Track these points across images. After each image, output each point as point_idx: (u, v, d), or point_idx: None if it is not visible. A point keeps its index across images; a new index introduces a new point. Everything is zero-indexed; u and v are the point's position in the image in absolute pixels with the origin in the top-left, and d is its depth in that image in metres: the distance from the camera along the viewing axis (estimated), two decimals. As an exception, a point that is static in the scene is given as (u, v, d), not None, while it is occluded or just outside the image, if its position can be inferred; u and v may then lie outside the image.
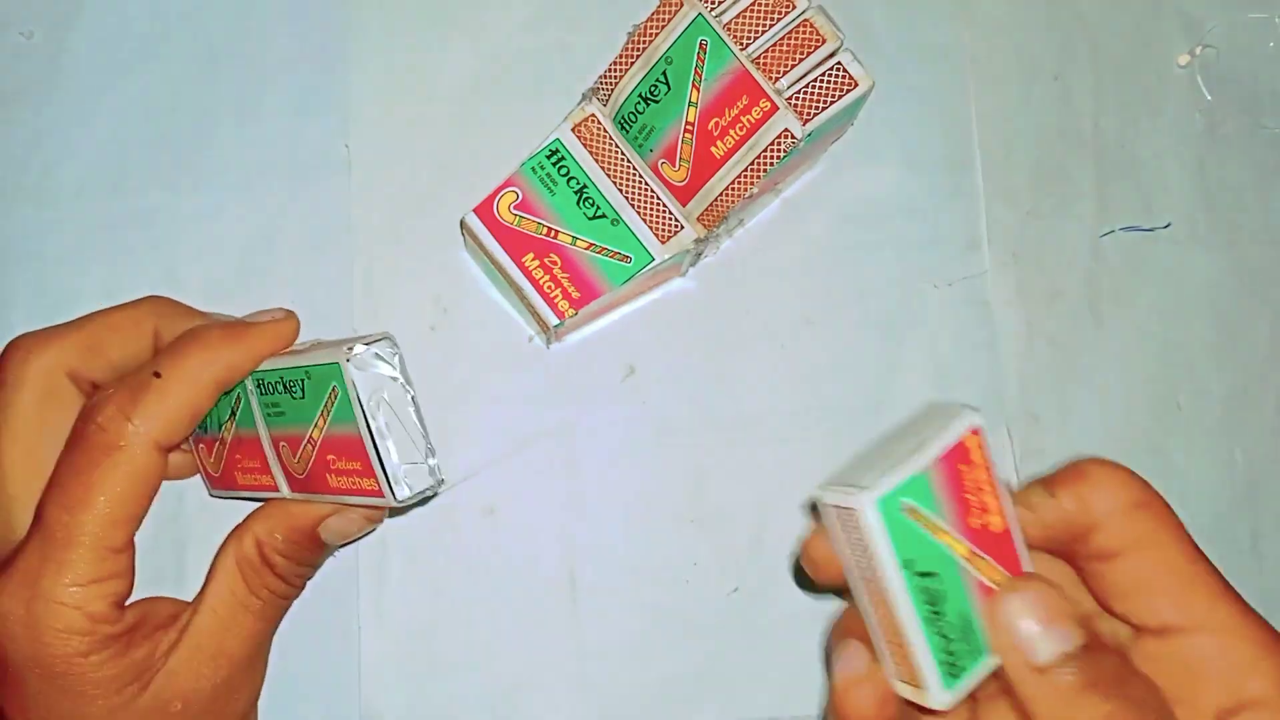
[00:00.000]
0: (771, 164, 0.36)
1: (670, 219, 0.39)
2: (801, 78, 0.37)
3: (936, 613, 0.26)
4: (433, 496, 0.32)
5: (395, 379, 0.30)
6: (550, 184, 0.39)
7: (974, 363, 0.43)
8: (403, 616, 0.40)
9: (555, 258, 0.38)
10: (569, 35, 0.44)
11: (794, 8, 0.37)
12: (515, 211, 0.38)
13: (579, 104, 0.39)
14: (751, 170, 0.37)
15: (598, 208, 0.39)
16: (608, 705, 0.40)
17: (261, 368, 0.32)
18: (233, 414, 0.34)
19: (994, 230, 0.44)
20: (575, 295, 0.38)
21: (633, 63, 0.38)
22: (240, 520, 0.34)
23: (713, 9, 0.37)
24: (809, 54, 0.37)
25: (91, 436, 0.31)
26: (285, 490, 0.33)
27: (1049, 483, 0.28)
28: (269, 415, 0.32)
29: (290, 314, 0.34)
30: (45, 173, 0.43)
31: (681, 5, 0.37)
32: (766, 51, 0.37)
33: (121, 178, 0.43)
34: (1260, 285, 0.44)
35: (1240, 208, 0.45)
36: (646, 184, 0.39)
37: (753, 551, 0.41)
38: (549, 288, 0.38)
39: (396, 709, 0.40)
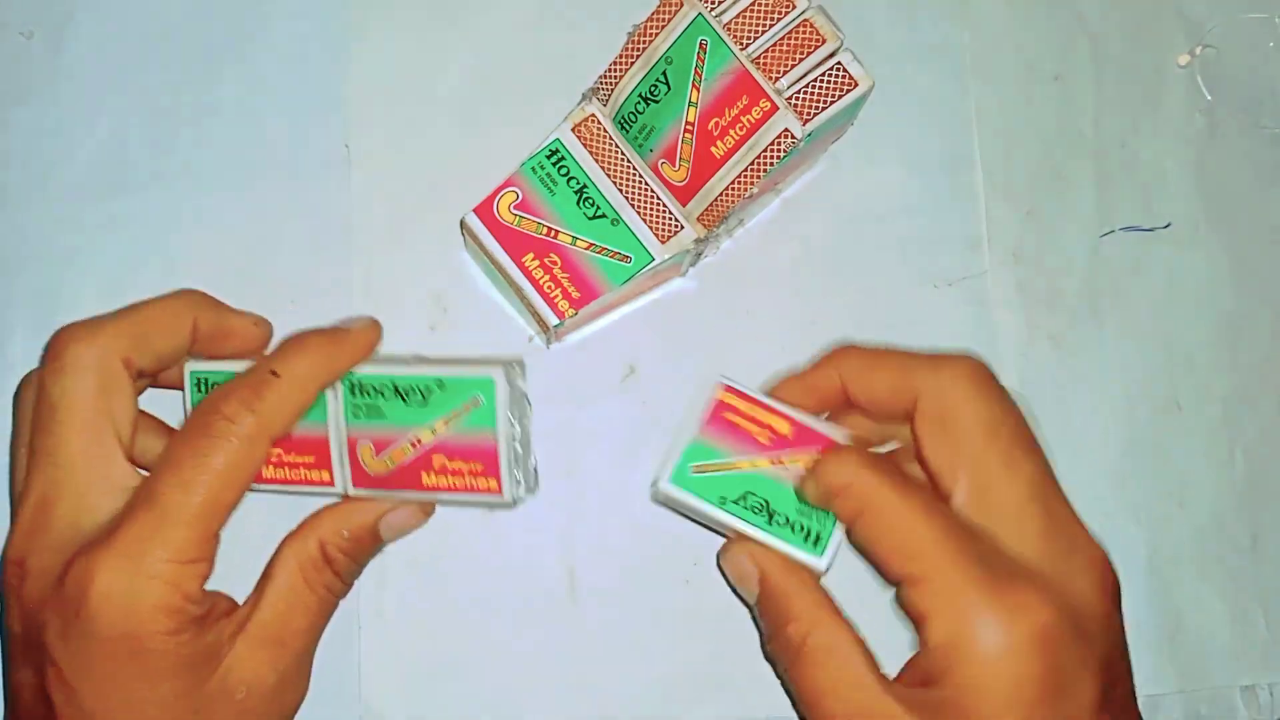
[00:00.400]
0: (771, 164, 0.36)
1: (670, 219, 0.39)
2: (801, 78, 0.37)
3: (772, 515, 0.34)
4: (528, 497, 0.36)
5: (525, 395, 0.36)
6: (550, 184, 0.39)
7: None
8: (403, 616, 0.40)
9: (555, 258, 0.38)
10: (569, 35, 0.44)
11: (794, 8, 0.37)
12: (515, 211, 0.38)
13: (579, 104, 0.39)
14: (751, 170, 0.37)
15: (598, 208, 0.39)
16: (608, 705, 0.40)
17: (365, 373, 0.35)
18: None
19: (994, 230, 0.44)
20: (575, 295, 0.38)
21: (633, 63, 0.38)
22: (299, 521, 0.36)
23: (713, 9, 0.37)
24: (809, 54, 0.37)
25: (216, 424, 0.32)
26: (342, 486, 0.35)
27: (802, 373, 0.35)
28: (357, 415, 0.35)
29: (376, 322, 0.36)
30: (45, 173, 0.43)
31: (681, 5, 0.37)
32: (766, 51, 0.37)
33: (121, 178, 0.43)
34: (1260, 285, 0.44)
35: (1240, 208, 0.45)
36: (646, 184, 0.39)
37: (753, 551, 0.41)
38: (549, 288, 0.38)
39: (396, 709, 0.40)
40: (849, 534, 0.33)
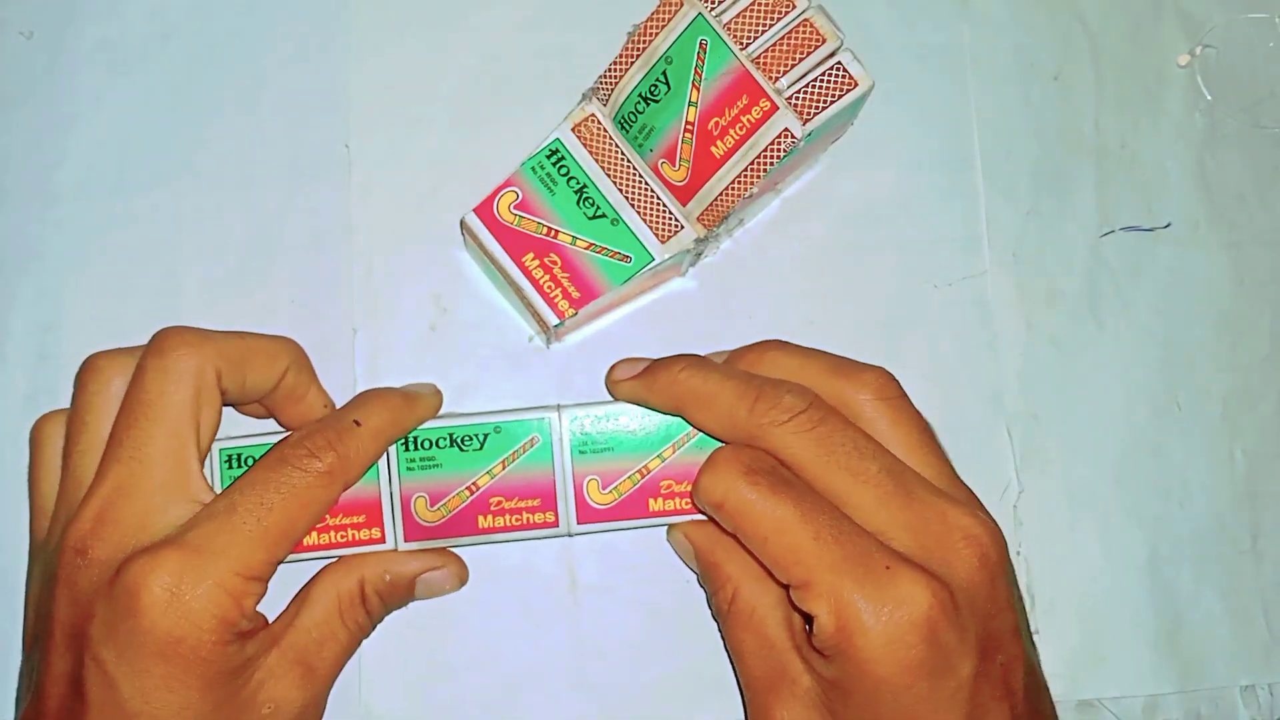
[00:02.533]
0: (771, 164, 0.36)
1: (670, 219, 0.39)
2: (801, 77, 0.37)
3: None
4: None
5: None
6: (550, 184, 0.39)
7: (974, 363, 0.43)
8: (403, 617, 0.40)
9: (555, 257, 0.38)
10: (569, 35, 0.44)
11: (794, 7, 0.37)
12: (515, 211, 0.38)
13: (579, 104, 0.39)
14: (751, 170, 0.37)
15: (598, 207, 0.39)
16: (608, 705, 0.40)
17: (420, 427, 0.37)
18: None
19: (994, 230, 0.44)
20: (575, 295, 0.38)
21: (633, 62, 0.38)
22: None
23: (713, 9, 0.37)
24: (809, 54, 0.37)
25: (299, 457, 0.34)
26: (393, 542, 0.37)
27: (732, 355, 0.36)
28: (412, 469, 0.37)
29: (439, 390, 0.38)
30: (45, 173, 0.43)
31: (681, 5, 0.37)
32: (766, 51, 0.37)
33: (121, 178, 0.43)
34: (1260, 285, 0.44)
35: (1240, 208, 0.45)
36: (646, 184, 0.39)
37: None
38: (549, 288, 0.38)
39: (396, 709, 0.40)
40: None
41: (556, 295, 0.38)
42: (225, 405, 0.36)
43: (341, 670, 0.36)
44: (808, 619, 0.32)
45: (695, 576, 0.39)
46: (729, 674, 0.40)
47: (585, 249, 0.38)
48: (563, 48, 0.44)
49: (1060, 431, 0.43)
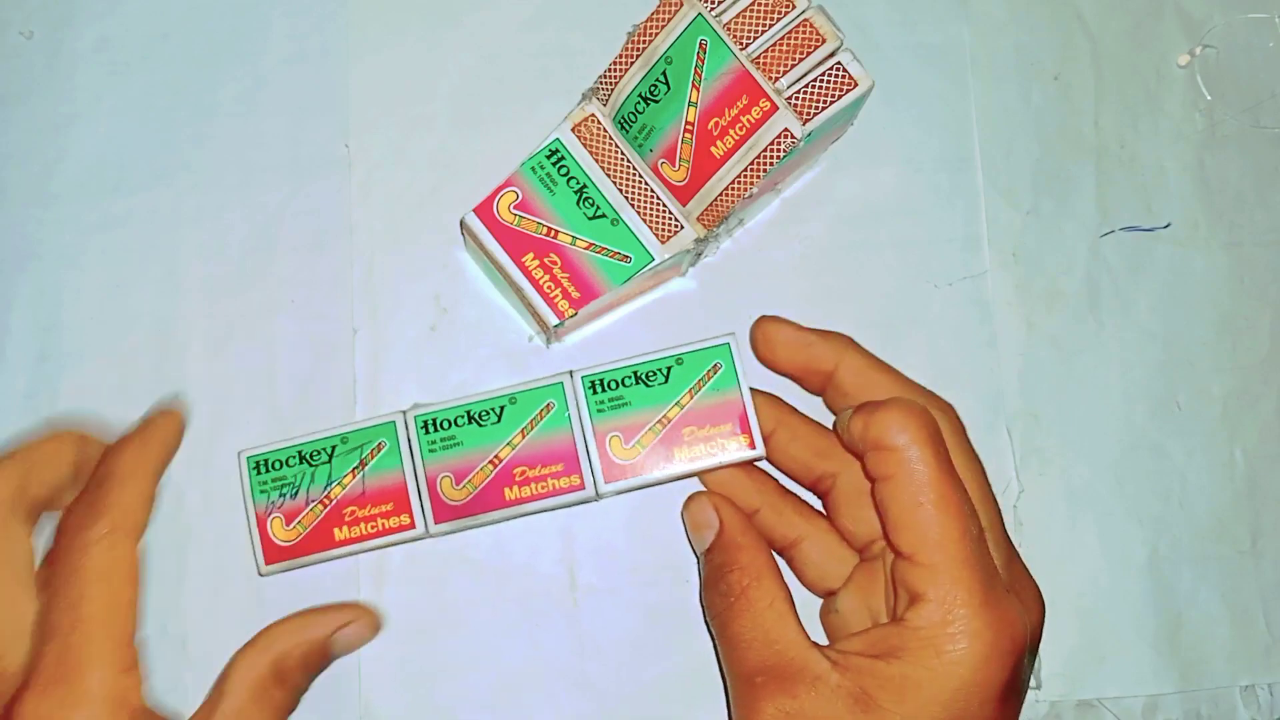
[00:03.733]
0: (771, 164, 0.36)
1: (670, 219, 0.39)
2: (801, 78, 0.37)
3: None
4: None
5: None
6: (550, 184, 0.39)
7: (974, 363, 0.43)
8: (403, 617, 0.40)
9: (555, 258, 0.38)
10: (569, 35, 0.44)
11: (794, 8, 0.37)
12: (515, 211, 0.38)
13: (579, 104, 0.39)
14: (751, 170, 0.37)
15: (598, 208, 0.39)
16: (608, 705, 0.40)
17: (432, 409, 0.37)
18: (360, 466, 0.37)
19: (994, 230, 0.44)
20: (575, 295, 0.38)
21: (633, 62, 0.38)
22: (248, 639, 0.36)
23: (713, 9, 0.37)
24: (809, 54, 0.37)
25: (77, 538, 0.34)
26: (423, 526, 0.37)
27: (857, 409, 0.34)
28: (434, 451, 0.37)
29: (174, 407, 0.39)
30: (45, 173, 0.43)
31: (681, 5, 0.37)
32: (766, 51, 0.37)
33: (121, 177, 0.43)
34: (1260, 285, 0.44)
35: (1240, 208, 0.45)
36: (646, 184, 0.39)
37: (753, 551, 0.41)
38: (549, 288, 0.38)
39: (396, 709, 0.40)
40: (873, 487, 0.33)
41: (556, 295, 0.38)
42: (53, 510, 0.36)
43: None
44: (894, 597, 0.33)
45: (697, 562, 0.39)
46: (729, 674, 0.40)
47: (585, 249, 0.38)
48: (563, 48, 0.44)
49: (1060, 431, 0.43)
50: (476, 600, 0.41)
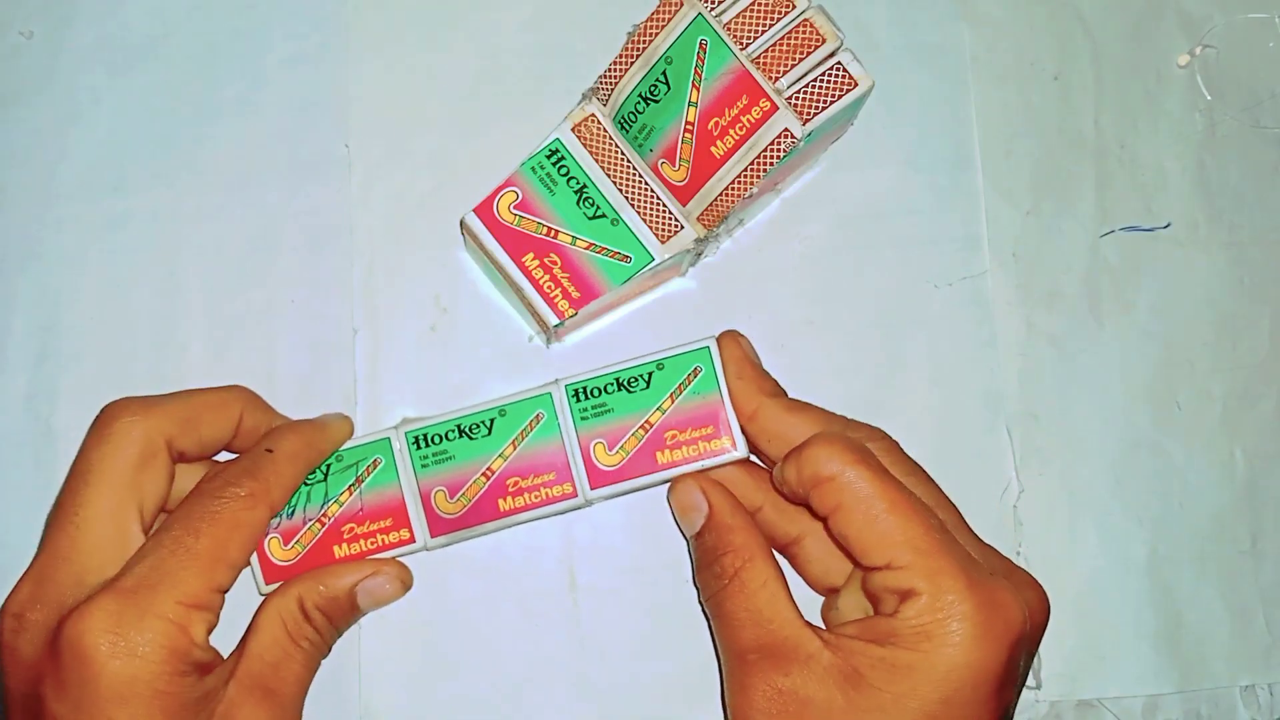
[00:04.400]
0: (771, 164, 0.36)
1: (670, 219, 0.39)
2: (801, 77, 0.37)
3: None
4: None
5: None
6: (550, 184, 0.39)
7: (974, 363, 0.43)
8: (403, 616, 0.40)
9: (555, 257, 0.38)
10: (569, 35, 0.44)
11: (794, 7, 0.37)
12: (515, 211, 0.38)
13: (579, 104, 0.39)
14: (751, 170, 0.37)
15: (598, 208, 0.39)
16: (608, 705, 0.40)
17: (422, 425, 0.38)
18: (356, 483, 0.38)
19: (994, 230, 0.44)
20: (575, 295, 0.38)
21: (633, 62, 0.38)
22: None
23: (713, 9, 0.37)
24: (809, 54, 0.37)
25: (219, 488, 0.35)
26: (422, 539, 0.37)
27: (785, 458, 0.35)
28: (426, 466, 0.38)
29: (347, 417, 0.39)
30: (45, 173, 0.43)
31: (681, 5, 0.37)
32: (766, 51, 0.37)
33: (121, 178, 0.43)
34: (1260, 285, 0.44)
35: (1240, 208, 0.45)
36: (646, 184, 0.39)
37: (753, 551, 0.41)
38: (549, 288, 0.38)
39: (396, 709, 0.40)
40: (825, 523, 0.34)
41: (556, 295, 0.38)
42: (192, 461, 0.37)
43: (306, 692, 0.36)
44: (884, 601, 0.33)
45: (687, 545, 0.39)
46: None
47: (585, 249, 0.38)
48: (563, 48, 0.44)
49: (1060, 431, 0.43)
50: (476, 600, 0.41)
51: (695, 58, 0.37)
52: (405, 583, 0.38)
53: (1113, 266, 0.44)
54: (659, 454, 0.37)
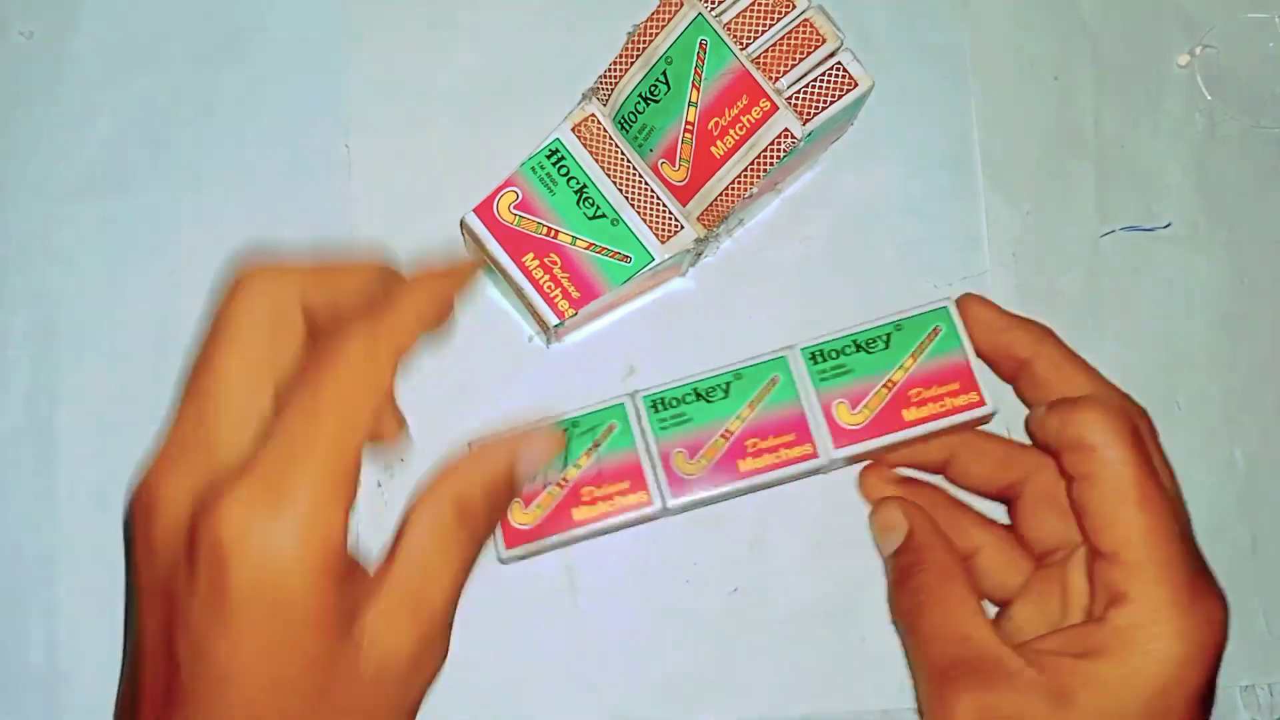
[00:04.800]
0: (771, 164, 0.37)
1: (670, 219, 0.39)
2: (801, 78, 0.37)
3: None
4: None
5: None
6: (550, 184, 0.39)
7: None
8: (403, 616, 0.40)
9: (555, 258, 0.38)
10: (569, 35, 0.44)
11: (794, 8, 0.37)
12: (515, 211, 0.38)
13: (579, 104, 0.39)
14: (751, 170, 0.37)
15: (598, 208, 0.39)
16: (608, 705, 0.40)
17: (660, 389, 0.39)
18: (594, 448, 0.38)
19: (994, 230, 0.44)
20: (575, 295, 0.38)
21: (633, 63, 0.38)
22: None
23: (713, 9, 0.37)
24: (809, 54, 0.37)
25: (324, 345, 0.31)
26: (661, 502, 0.38)
27: (1052, 405, 0.35)
28: (665, 428, 0.38)
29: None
30: (45, 173, 0.43)
31: (681, 5, 0.37)
32: (766, 51, 0.37)
33: (121, 178, 0.43)
34: (1260, 285, 0.44)
35: (1240, 208, 0.45)
36: (646, 184, 0.39)
37: (753, 551, 0.41)
38: (549, 288, 0.38)
39: (396, 709, 0.40)
40: (1069, 486, 0.34)
41: (556, 295, 0.38)
42: (323, 329, 0.33)
43: (456, 605, 0.33)
44: (1092, 596, 0.33)
45: (884, 565, 0.39)
46: (729, 674, 0.40)
47: (585, 249, 0.38)
48: (563, 48, 0.44)
49: (1060, 431, 0.43)
50: (476, 600, 0.41)
51: (695, 58, 0.37)
52: (560, 441, 0.38)
53: (1113, 266, 0.44)
54: (904, 411, 0.37)
